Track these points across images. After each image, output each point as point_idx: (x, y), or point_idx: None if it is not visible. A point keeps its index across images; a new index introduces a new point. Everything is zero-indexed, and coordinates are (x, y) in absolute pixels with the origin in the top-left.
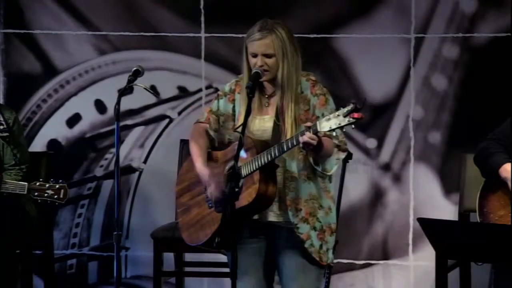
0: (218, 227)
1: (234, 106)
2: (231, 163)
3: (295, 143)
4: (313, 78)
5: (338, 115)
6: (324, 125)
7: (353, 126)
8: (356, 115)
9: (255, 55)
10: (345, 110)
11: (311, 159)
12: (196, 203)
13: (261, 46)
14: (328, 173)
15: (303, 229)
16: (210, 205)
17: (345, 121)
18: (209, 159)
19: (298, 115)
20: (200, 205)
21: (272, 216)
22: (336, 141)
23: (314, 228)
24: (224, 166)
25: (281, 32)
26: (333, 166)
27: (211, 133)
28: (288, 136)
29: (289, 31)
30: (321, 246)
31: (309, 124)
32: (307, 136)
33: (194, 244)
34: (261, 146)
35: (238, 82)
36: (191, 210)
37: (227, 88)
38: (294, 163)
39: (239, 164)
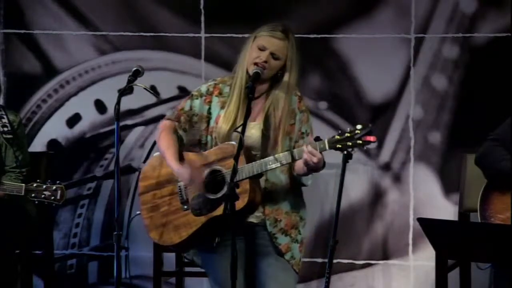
0: (195, 230)
1: (209, 108)
2: (212, 168)
3: (291, 159)
4: (298, 93)
5: (350, 136)
6: (333, 144)
7: (365, 147)
8: (372, 138)
9: (263, 49)
10: (358, 131)
11: (295, 173)
12: (165, 202)
13: (275, 44)
14: (306, 185)
15: (281, 240)
16: (185, 207)
17: (357, 142)
18: (181, 160)
19: (287, 128)
20: (171, 205)
21: (252, 217)
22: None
23: (296, 241)
24: (203, 170)
25: (294, 43)
26: (309, 179)
27: (180, 132)
28: (279, 148)
29: (296, 41)
30: (300, 258)
31: (312, 141)
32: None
33: (166, 244)
34: (248, 154)
35: (216, 85)
36: (160, 209)
37: (203, 89)
38: (277, 173)
39: (222, 169)
